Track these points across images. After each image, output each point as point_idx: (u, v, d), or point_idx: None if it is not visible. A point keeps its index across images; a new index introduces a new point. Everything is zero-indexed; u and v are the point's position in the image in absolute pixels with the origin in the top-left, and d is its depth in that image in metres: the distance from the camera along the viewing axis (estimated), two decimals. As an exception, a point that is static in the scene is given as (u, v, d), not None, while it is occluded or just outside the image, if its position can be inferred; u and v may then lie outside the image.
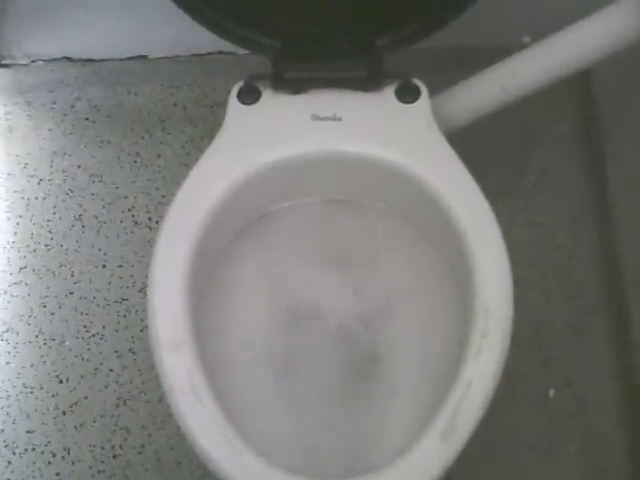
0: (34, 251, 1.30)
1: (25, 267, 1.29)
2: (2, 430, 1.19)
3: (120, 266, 1.28)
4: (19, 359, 1.23)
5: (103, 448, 1.17)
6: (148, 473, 1.16)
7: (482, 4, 0.93)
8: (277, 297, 0.96)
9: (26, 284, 1.28)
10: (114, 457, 1.17)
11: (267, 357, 0.93)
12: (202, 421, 0.78)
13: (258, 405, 0.90)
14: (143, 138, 1.37)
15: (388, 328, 0.94)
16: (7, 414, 1.20)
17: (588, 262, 1.26)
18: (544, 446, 1.15)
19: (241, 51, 0.99)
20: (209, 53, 1.35)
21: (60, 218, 1.32)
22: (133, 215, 1.32)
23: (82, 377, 1.21)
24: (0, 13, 1.30)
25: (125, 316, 1.25)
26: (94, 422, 1.19)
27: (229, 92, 0.96)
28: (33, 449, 1.18)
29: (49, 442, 1.18)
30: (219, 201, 0.90)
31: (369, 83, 0.96)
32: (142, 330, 1.23)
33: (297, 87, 0.96)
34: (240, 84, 0.97)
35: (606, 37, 0.97)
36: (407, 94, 0.96)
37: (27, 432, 1.19)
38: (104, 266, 1.28)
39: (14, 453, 1.18)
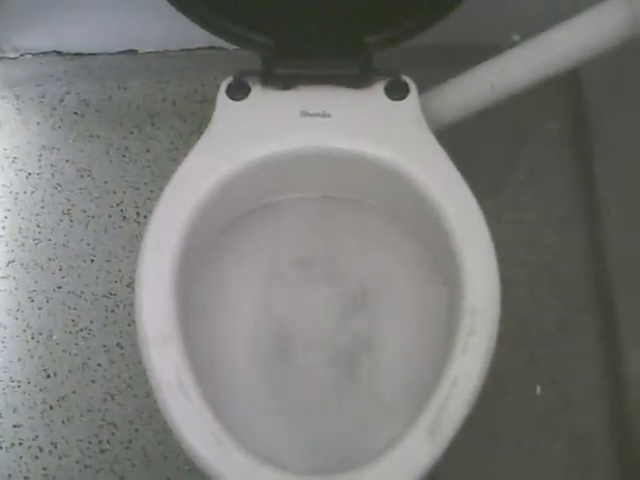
0: (22, 245, 1.30)
1: (13, 261, 1.28)
2: (-11, 424, 1.19)
3: (108, 261, 1.28)
4: (6, 353, 1.23)
5: (90, 443, 1.17)
6: (135, 468, 1.16)
7: (472, 2, 0.93)
8: (264, 292, 0.96)
9: (14, 278, 1.27)
10: (101, 452, 1.17)
11: (254, 353, 0.93)
12: (189, 417, 0.78)
13: (245, 401, 0.90)
14: (132, 133, 1.37)
15: (373, 326, 0.94)
16: (-6, 408, 1.20)
17: (576, 260, 1.26)
18: (530, 443, 1.16)
19: (231, 46, 0.99)
20: (199, 48, 1.34)
21: (48, 212, 1.32)
22: (122, 210, 1.31)
23: (70, 371, 1.21)
24: (-11, 6, 1.30)
25: (113, 311, 1.25)
26: (81, 417, 1.19)
27: (219, 87, 0.97)
28: (20, 443, 1.18)
29: (36, 437, 1.18)
30: (207, 197, 0.90)
31: (359, 80, 0.96)
32: (130, 325, 1.23)
33: (287, 83, 0.97)
34: (229, 79, 0.97)
35: (597, 36, 0.97)
36: (396, 91, 0.96)
37: (14, 426, 1.19)
38: (92, 261, 1.28)
39: (1, 447, 1.17)
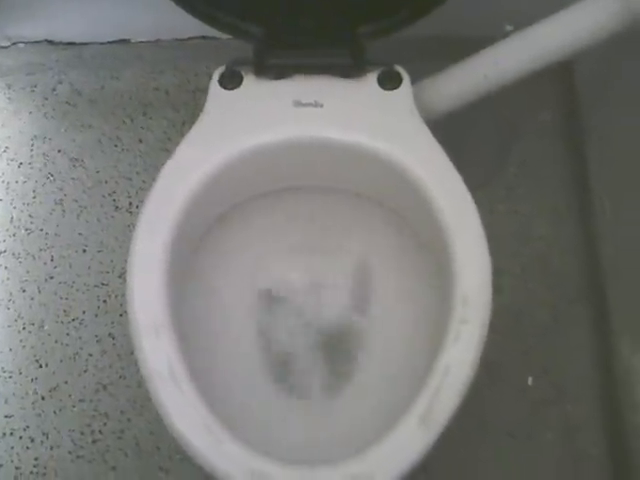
0: (14, 235, 1.29)
1: (5, 251, 1.28)
2: (-20, 414, 1.19)
3: (100, 251, 1.28)
4: (-2, 343, 1.23)
5: (82, 433, 1.17)
6: (128, 458, 1.16)
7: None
8: (257, 282, 0.96)
9: (5, 268, 1.27)
10: (93, 442, 1.17)
11: (246, 343, 0.93)
12: (180, 407, 0.78)
13: (237, 391, 0.90)
14: (124, 123, 1.36)
15: (366, 316, 0.94)
16: (-15, 398, 1.19)
17: (568, 252, 1.26)
18: (522, 433, 1.16)
19: (224, 36, 0.99)
20: (191, 38, 1.34)
21: (40, 202, 1.31)
22: (114, 200, 1.31)
23: (61, 362, 1.21)
24: (-20, -5, 1.29)
25: (105, 301, 1.25)
26: (73, 407, 1.19)
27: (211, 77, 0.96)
28: (11, 434, 1.18)
29: (28, 427, 1.18)
30: (199, 187, 0.90)
31: (351, 70, 0.96)
32: (122, 315, 1.22)
33: (279, 73, 0.96)
34: (222, 69, 0.97)
35: (590, 26, 0.97)
36: (389, 81, 0.96)
37: (5, 417, 1.18)
38: (84, 251, 1.28)
39: (-8, 438, 1.18)
